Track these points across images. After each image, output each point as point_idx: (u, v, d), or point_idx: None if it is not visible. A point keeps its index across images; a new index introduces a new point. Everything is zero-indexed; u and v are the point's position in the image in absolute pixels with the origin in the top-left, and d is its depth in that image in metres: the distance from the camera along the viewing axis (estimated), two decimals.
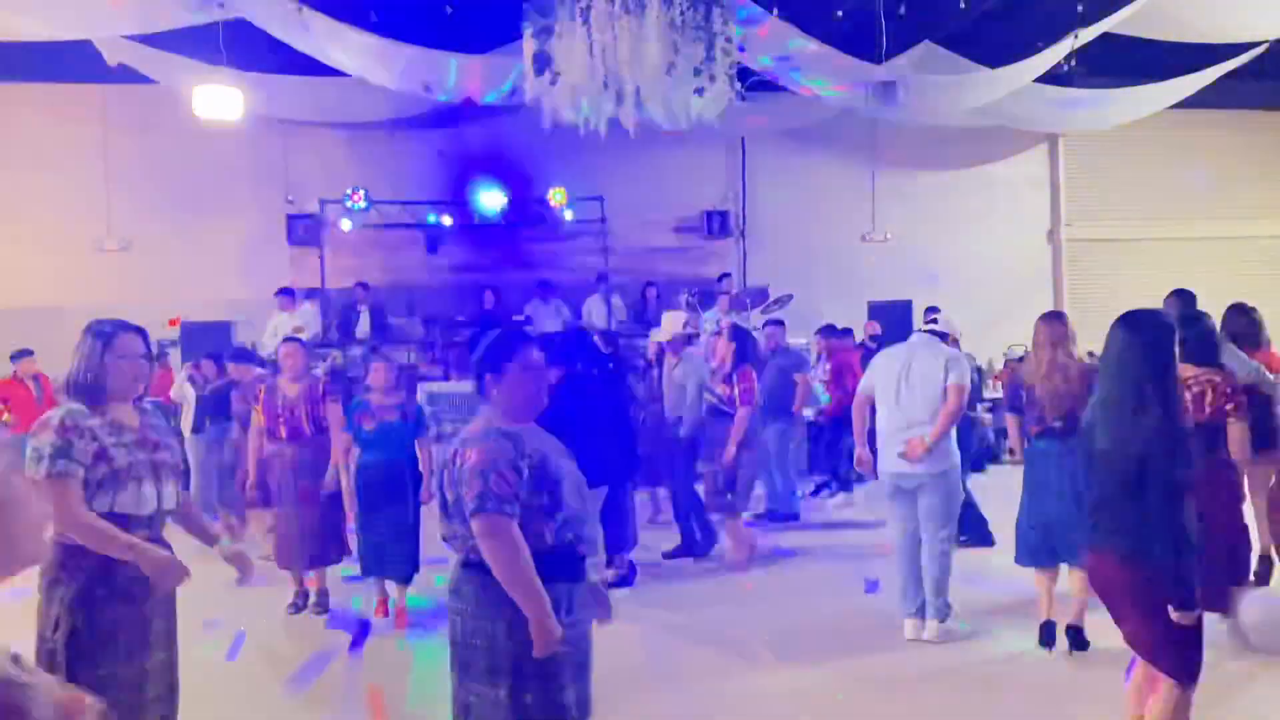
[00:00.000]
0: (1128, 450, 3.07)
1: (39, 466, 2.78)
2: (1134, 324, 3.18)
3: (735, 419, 6.61)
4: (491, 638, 2.57)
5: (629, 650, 4.69)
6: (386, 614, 5.78)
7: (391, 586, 5.80)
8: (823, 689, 4.63)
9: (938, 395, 5.10)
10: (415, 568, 5.75)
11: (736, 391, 6.62)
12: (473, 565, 2.63)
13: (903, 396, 5.17)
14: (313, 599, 5.99)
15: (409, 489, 5.67)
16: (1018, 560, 5.16)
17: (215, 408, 8.01)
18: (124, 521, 2.89)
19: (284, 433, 5.78)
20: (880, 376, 5.34)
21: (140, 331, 3.14)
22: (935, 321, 5.55)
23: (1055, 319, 5.18)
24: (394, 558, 5.66)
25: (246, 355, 8.09)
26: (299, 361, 5.96)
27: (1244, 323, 5.70)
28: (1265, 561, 5.45)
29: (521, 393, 2.75)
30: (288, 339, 6.44)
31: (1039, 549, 5.03)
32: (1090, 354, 8.31)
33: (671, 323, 7.47)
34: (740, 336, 6.98)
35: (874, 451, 5.47)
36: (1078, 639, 4.91)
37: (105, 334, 3.02)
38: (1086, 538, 3.31)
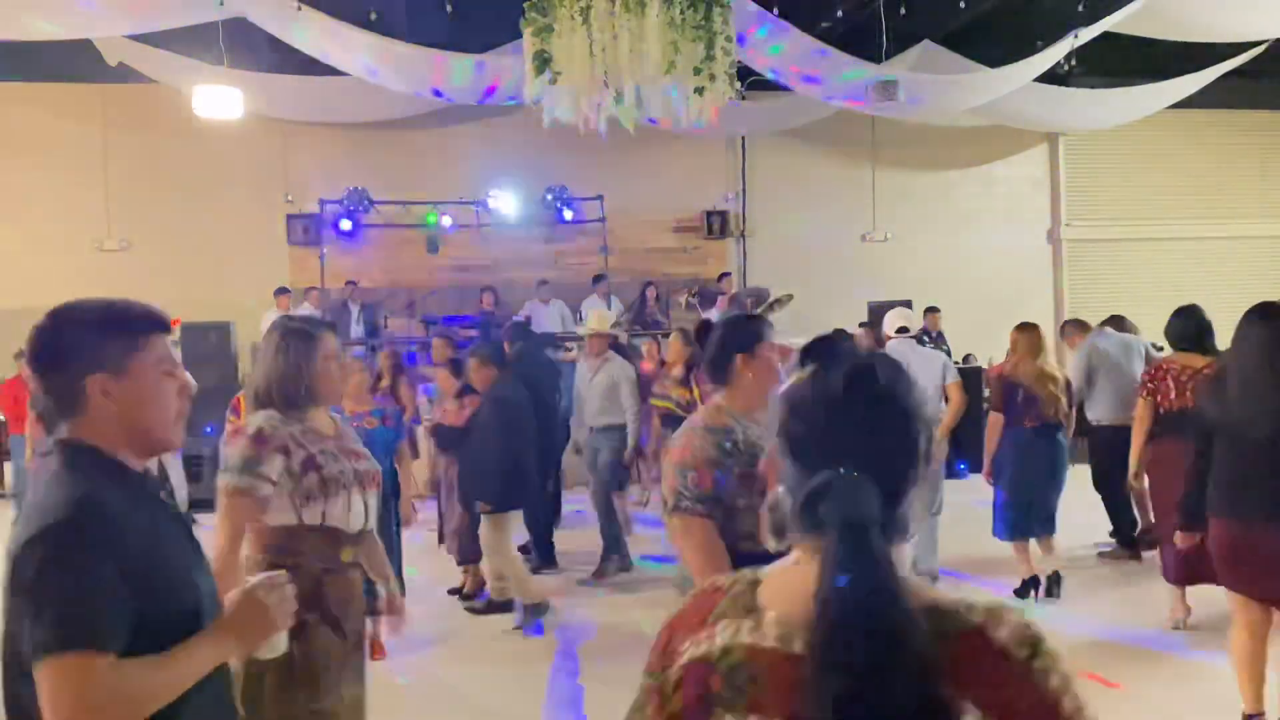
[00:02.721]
0: (1275, 424, 3.46)
1: (226, 477, 2.58)
2: (1266, 313, 3.63)
3: None
4: None
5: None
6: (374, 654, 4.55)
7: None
8: None
9: (938, 396, 5.72)
10: (401, 590, 5.04)
11: (697, 393, 6.31)
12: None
13: None
14: None
15: (390, 503, 4.97)
16: (1002, 537, 5.91)
17: None
18: (334, 537, 2.64)
19: None
20: None
21: (333, 327, 2.95)
22: (906, 330, 6.14)
23: (1035, 330, 5.93)
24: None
25: None
26: None
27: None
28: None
29: (766, 376, 2.57)
30: None
31: (1021, 524, 5.84)
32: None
33: (600, 320, 7.11)
34: (695, 340, 6.68)
35: None
36: (1057, 587, 5.80)
37: (308, 333, 2.76)
38: (1227, 509, 3.62)
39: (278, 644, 1.80)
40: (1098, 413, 6.76)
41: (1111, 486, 6.74)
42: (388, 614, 3.02)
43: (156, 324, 1.73)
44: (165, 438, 1.71)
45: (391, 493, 5.03)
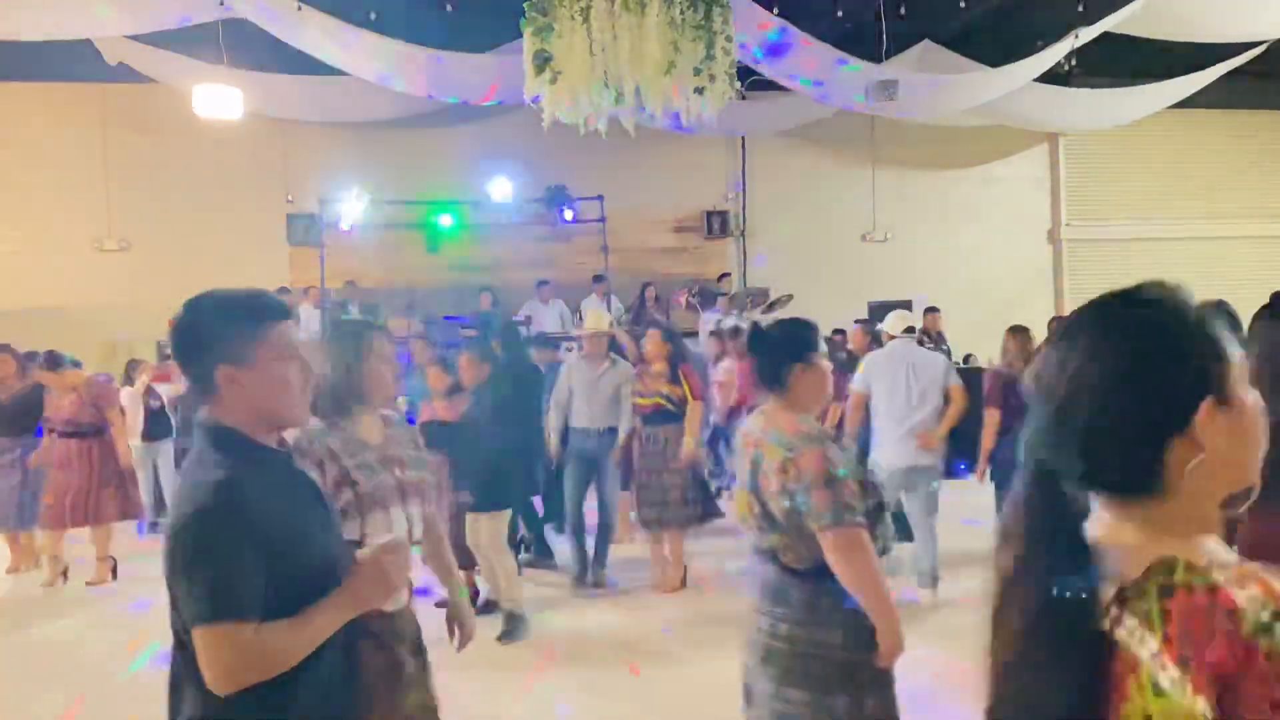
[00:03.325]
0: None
1: None
2: (1273, 309, 3.62)
3: (689, 415, 6.27)
4: (827, 647, 2.47)
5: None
6: None
7: None
8: None
9: (940, 395, 5.76)
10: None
11: (687, 388, 6.33)
12: (801, 573, 2.51)
13: (914, 396, 5.73)
14: None
15: None
16: None
17: (16, 417, 7.08)
18: None
19: None
20: (884, 379, 5.83)
21: (384, 326, 2.82)
22: (912, 330, 6.18)
23: (1025, 332, 6.22)
24: None
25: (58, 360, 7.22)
26: None
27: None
28: None
29: (820, 384, 2.65)
30: None
31: None
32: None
33: (597, 320, 6.90)
34: (674, 338, 6.75)
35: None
36: None
37: (357, 331, 2.64)
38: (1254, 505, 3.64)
39: (399, 600, 1.99)
40: None
41: None
42: (448, 619, 2.87)
43: (278, 313, 1.87)
44: (290, 416, 1.88)
45: None
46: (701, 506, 6.42)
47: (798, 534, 2.49)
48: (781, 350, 2.66)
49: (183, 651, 1.76)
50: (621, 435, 6.56)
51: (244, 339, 1.80)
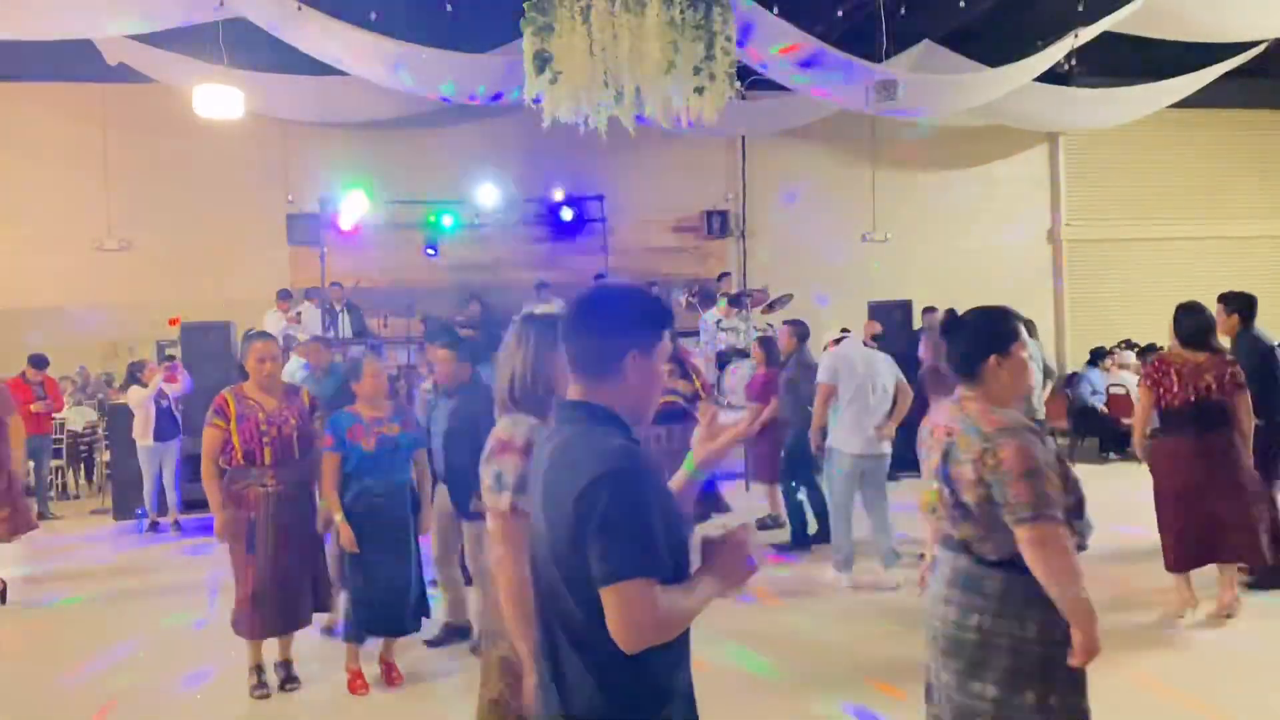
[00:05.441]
0: None
1: (500, 496, 2.42)
2: None
3: (702, 411, 6.38)
4: (1020, 640, 2.42)
5: None
6: (365, 688, 4.63)
7: (375, 640, 4.77)
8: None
9: (890, 394, 6.24)
10: (428, 613, 4.80)
11: (699, 384, 6.43)
12: (995, 564, 2.46)
13: (873, 396, 6.16)
14: (278, 671, 4.75)
15: (411, 518, 4.67)
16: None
17: None
18: None
19: (268, 456, 4.54)
20: (852, 375, 6.21)
21: None
22: (848, 332, 6.74)
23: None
24: (402, 607, 4.61)
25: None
26: (276, 366, 4.74)
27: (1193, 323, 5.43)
28: None
29: (1018, 376, 2.55)
30: (256, 334, 5.19)
31: None
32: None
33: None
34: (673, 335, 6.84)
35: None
36: None
37: (551, 324, 2.54)
38: None
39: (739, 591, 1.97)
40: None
41: None
42: None
43: (671, 320, 1.97)
44: (650, 413, 1.95)
45: (411, 508, 4.67)
46: (704, 504, 6.49)
47: (992, 525, 2.43)
48: (975, 340, 2.57)
49: (568, 622, 1.76)
50: None
51: (654, 334, 1.89)
